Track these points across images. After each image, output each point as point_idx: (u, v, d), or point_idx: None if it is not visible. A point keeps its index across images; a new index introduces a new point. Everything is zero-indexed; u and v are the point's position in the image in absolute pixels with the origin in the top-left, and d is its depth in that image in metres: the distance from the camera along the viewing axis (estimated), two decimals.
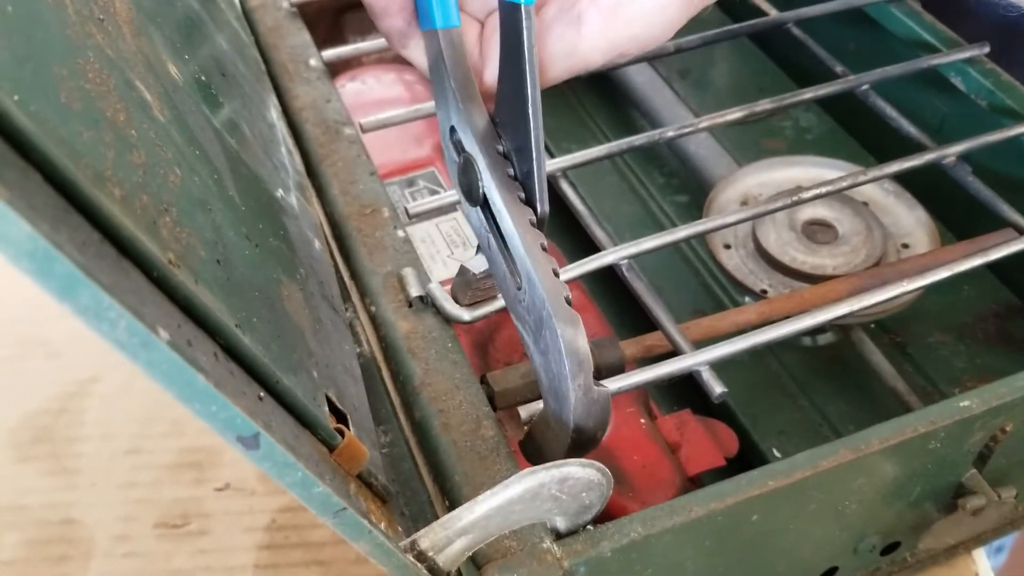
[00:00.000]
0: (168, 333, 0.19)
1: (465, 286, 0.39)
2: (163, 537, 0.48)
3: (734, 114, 0.51)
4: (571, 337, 0.32)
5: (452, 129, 0.37)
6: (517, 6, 0.33)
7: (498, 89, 0.35)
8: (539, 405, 0.36)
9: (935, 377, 0.50)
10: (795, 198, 0.45)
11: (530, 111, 0.34)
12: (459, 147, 0.37)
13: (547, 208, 0.35)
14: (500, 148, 0.36)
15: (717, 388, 0.38)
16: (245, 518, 0.49)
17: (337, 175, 0.46)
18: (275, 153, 0.44)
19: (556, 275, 0.33)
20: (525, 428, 0.40)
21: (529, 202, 0.35)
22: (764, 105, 0.51)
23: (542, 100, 0.34)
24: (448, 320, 0.40)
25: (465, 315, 0.40)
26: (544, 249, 0.33)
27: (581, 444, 0.33)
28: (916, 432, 0.35)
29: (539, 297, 0.33)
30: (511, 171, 0.35)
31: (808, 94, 0.53)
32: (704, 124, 0.51)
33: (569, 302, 0.33)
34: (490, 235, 0.36)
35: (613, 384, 0.37)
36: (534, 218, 0.34)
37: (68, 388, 0.55)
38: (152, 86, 0.31)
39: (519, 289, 0.34)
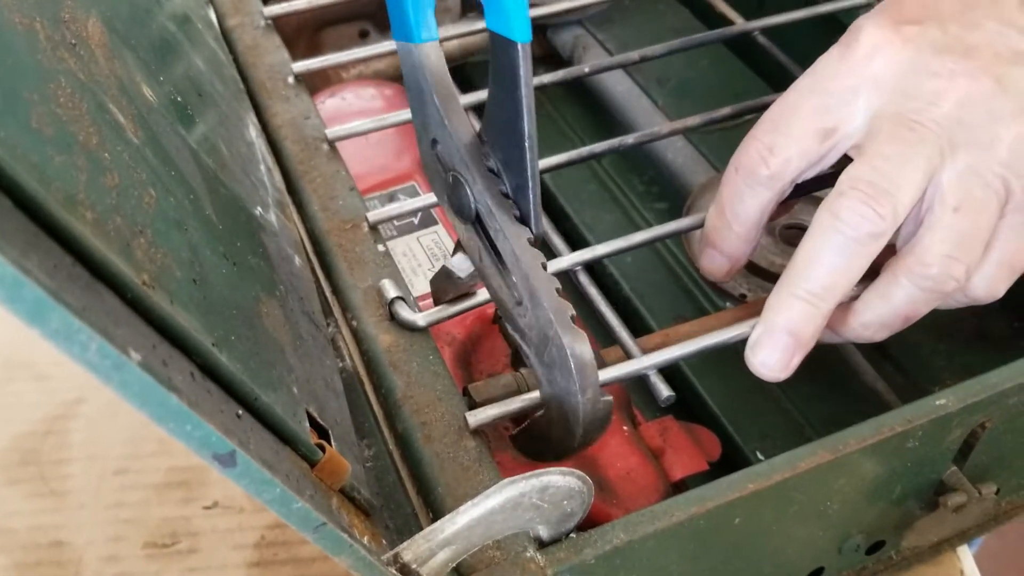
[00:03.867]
0: (141, 354, 0.19)
1: (449, 284, 0.40)
2: (152, 557, 0.48)
3: (695, 120, 0.51)
4: (580, 354, 0.33)
5: (434, 141, 0.37)
6: (514, 43, 0.31)
7: (486, 109, 0.34)
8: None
9: (916, 376, 0.50)
10: None
11: (527, 145, 0.33)
12: (443, 162, 0.37)
13: (543, 229, 0.35)
14: (490, 165, 0.35)
15: (664, 391, 0.39)
16: (234, 535, 0.49)
17: (317, 191, 0.47)
18: (254, 171, 0.44)
19: (560, 294, 0.34)
20: (510, 427, 0.40)
21: (523, 220, 0.35)
22: (723, 112, 0.51)
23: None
24: (404, 327, 0.40)
25: (420, 321, 0.40)
26: (544, 268, 0.34)
27: (581, 446, 0.36)
28: (893, 431, 0.35)
29: (544, 317, 0.34)
30: (503, 188, 0.35)
31: (770, 98, 0.52)
32: (666, 130, 0.51)
33: (574, 319, 0.34)
34: (482, 250, 0.37)
35: None
36: (531, 236, 0.35)
37: (54, 409, 0.55)
38: (126, 108, 0.31)
39: (519, 304, 0.35)
